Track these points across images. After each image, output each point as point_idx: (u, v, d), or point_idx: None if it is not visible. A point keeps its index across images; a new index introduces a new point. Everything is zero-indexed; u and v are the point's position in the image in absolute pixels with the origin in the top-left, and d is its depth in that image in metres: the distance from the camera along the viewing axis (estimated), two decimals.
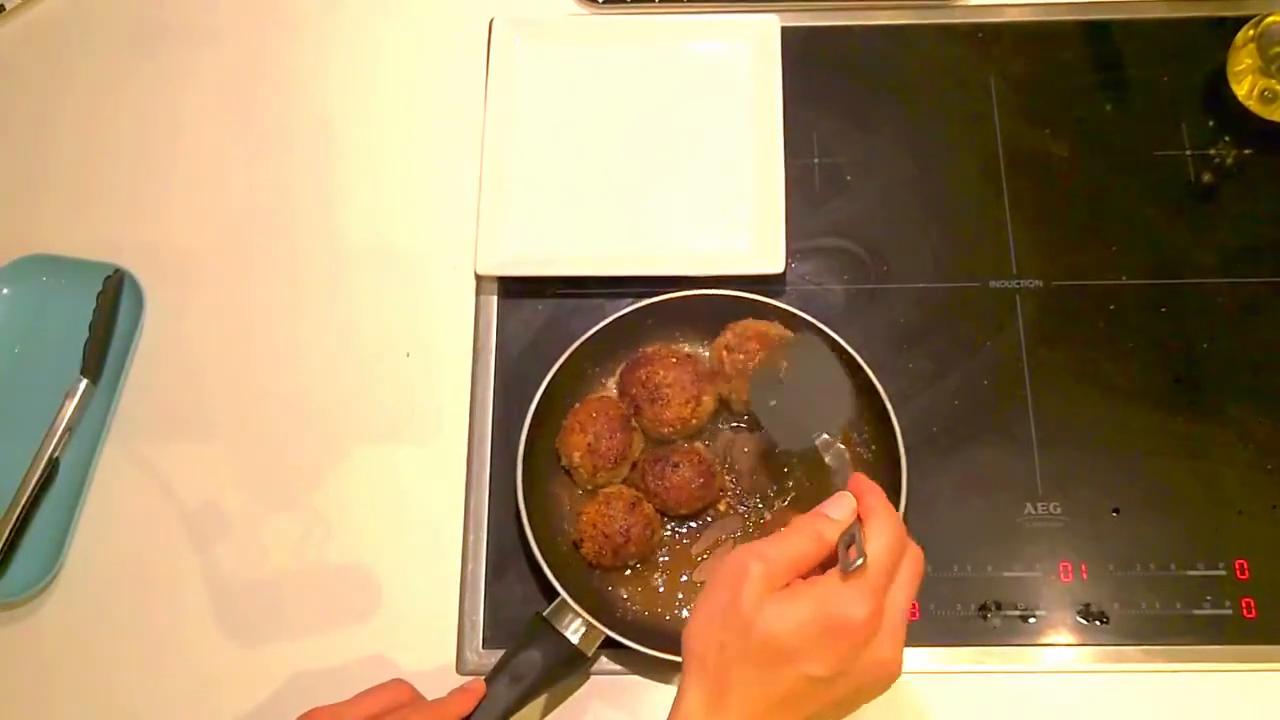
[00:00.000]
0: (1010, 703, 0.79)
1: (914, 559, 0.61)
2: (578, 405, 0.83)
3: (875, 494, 0.62)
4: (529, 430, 0.81)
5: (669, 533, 0.82)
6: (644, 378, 0.82)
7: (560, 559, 0.80)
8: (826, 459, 0.71)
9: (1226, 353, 0.87)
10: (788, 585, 0.58)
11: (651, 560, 0.81)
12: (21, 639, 0.83)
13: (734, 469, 0.84)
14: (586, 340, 0.83)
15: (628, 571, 0.81)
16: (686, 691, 0.58)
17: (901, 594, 0.59)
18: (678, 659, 0.75)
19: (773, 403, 0.77)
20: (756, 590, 0.57)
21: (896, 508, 0.77)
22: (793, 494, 0.83)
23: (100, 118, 0.99)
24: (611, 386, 0.86)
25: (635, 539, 0.79)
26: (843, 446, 0.72)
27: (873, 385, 0.81)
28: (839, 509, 0.61)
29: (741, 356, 0.82)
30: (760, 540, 0.60)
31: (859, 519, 0.61)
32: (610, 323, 0.84)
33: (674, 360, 0.83)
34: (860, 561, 0.57)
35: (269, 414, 0.88)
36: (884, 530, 0.59)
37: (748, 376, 0.80)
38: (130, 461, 0.87)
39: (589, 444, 0.81)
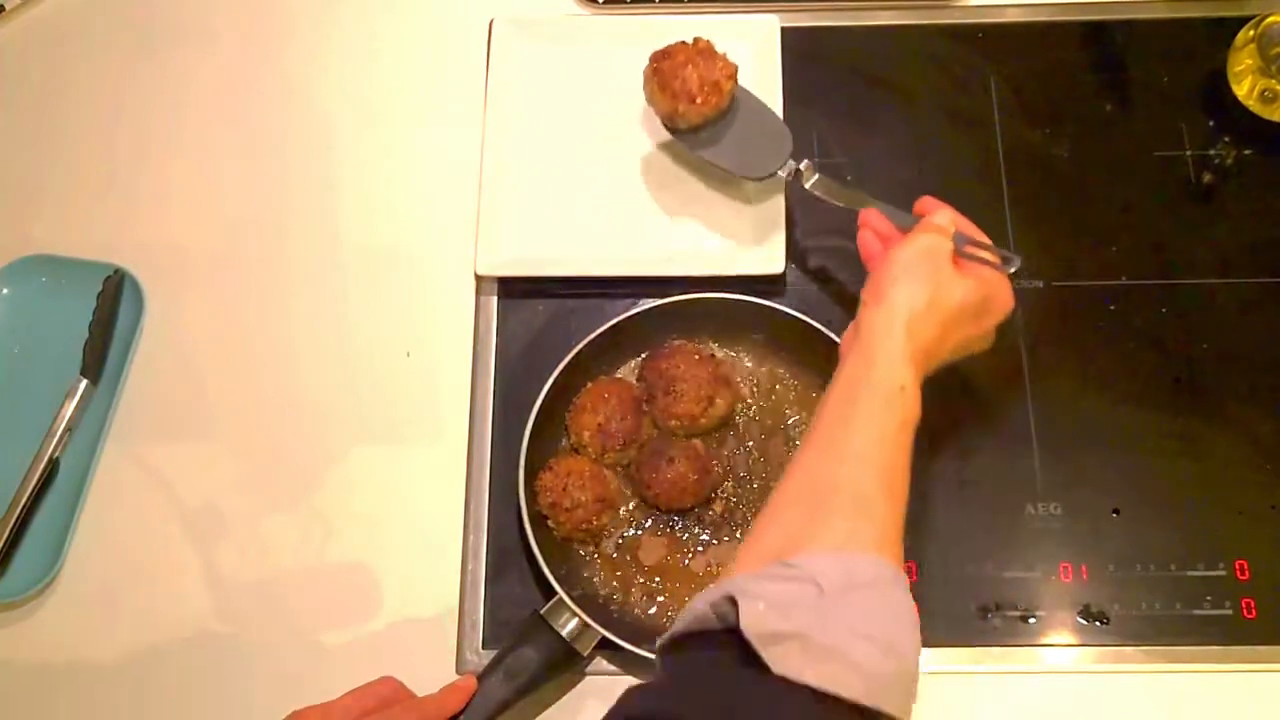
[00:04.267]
0: (1010, 703, 0.79)
1: None
2: (590, 384, 0.84)
3: (948, 209, 0.78)
4: (533, 427, 0.81)
5: (673, 529, 0.82)
6: (664, 368, 0.83)
7: (559, 557, 0.80)
8: (809, 186, 0.85)
9: (1226, 353, 0.87)
10: (959, 264, 0.74)
11: (652, 569, 0.82)
12: (21, 639, 0.83)
13: (736, 475, 0.84)
14: (595, 339, 0.83)
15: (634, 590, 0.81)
16: (891, 298, 0.71)
17: None
18: None
19: (716, 145, 0.86)
20: (946, 258, 0.73)
21: None
22: None
23: (100, 118, 0.99)
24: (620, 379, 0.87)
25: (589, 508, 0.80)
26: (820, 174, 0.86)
27: None
28: (945, 217, 0.76)
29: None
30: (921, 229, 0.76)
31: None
32: (618, 322, 0.84)
33: (697, 357, 0.83)
34: (1016, 264, 0.77)
35: (269, 414, 0.88)
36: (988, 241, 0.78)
37: None
38: (130, 461, 0.87)
39: (599, 424, 0.82)
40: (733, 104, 0.87)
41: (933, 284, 0.71)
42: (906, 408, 0.67)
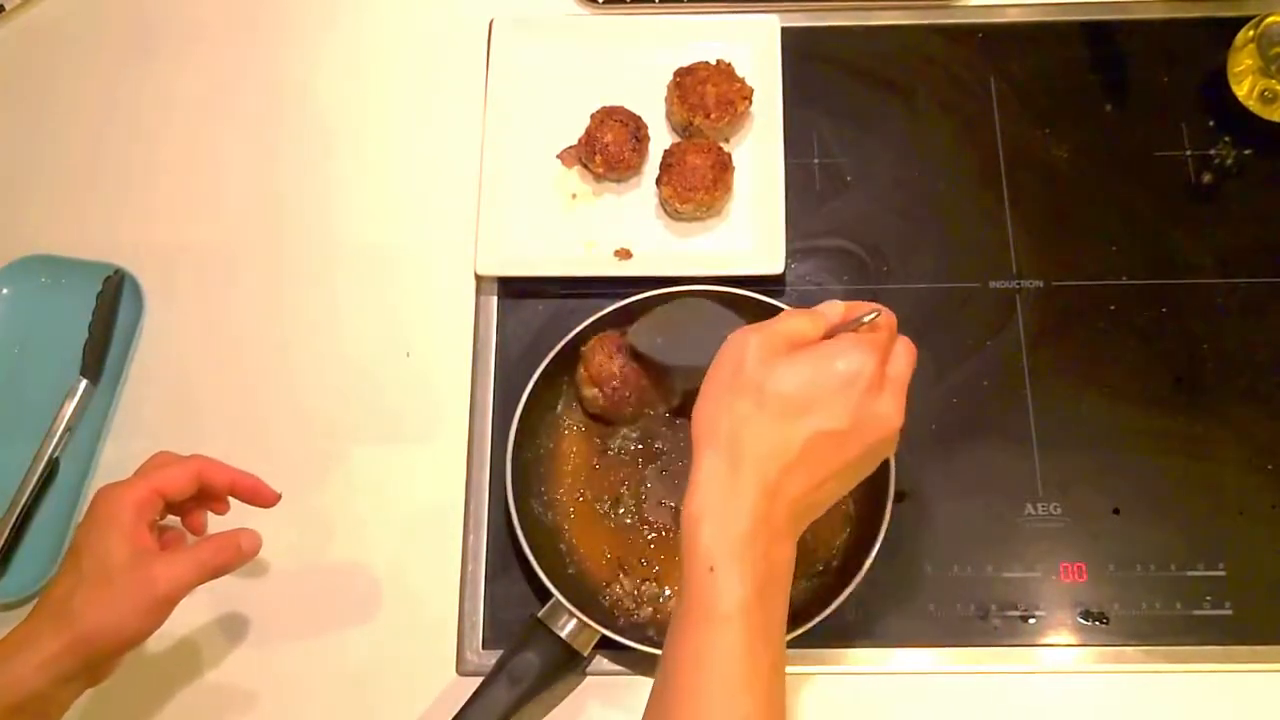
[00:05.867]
0: (1010, 703, 0.79)
1: (907, 342, 0.61)
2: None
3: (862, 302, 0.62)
4: (517, 433, 0.81)
5: (660, 534, 0.82)
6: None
7: (556, 560, 0.80)
8: None
9: (1226, 353, 0.87)
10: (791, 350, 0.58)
11: (647, 564, 0.82)
12: None
13: None
14: (578, 334, 0.83)
15: (622, 574, 0.81)
16: (701, 460, 0.57)
17: (901, 361, 0.59)
18: None
19: (659, 340, 0.80)
20: (760, 355, 0.57)
21: (882, 513, 0.77)
22: None
23: (100, 118, 0.99)
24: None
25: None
26: None
27: None
28: (831, 306, 0.61)
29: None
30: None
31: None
32: (606, 315, 0.84)
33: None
34: (873, 316, 0.58)
35: (268, 414, 0.88)
36: (881, 311, 0.60)
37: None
38: (130, 461, 0.86)
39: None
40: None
41: (729, 387, 0.57)
42: (720, 596, 0.53)
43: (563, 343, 0.83)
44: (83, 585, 0.66)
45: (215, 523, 0.76)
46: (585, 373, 0.83)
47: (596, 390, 0.82)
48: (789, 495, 0.56)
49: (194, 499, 0.73)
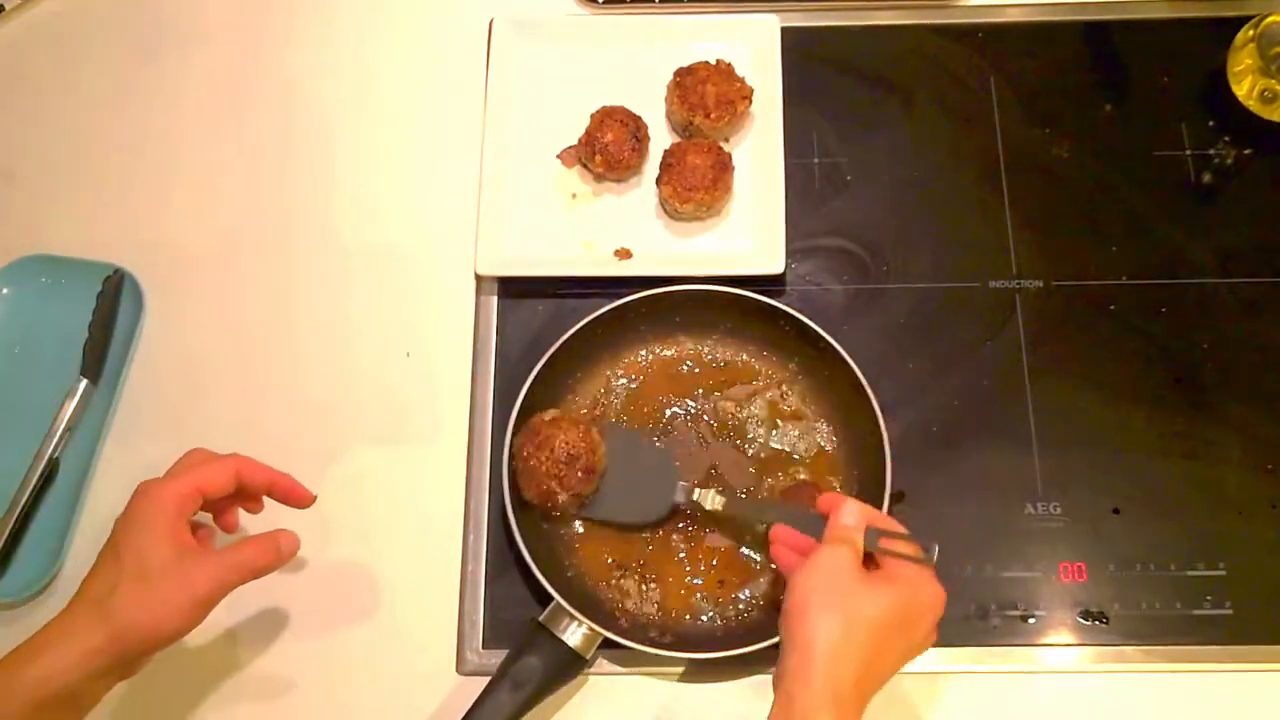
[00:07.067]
0: (1010, 703, 0.79)
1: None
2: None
3: (853, 505, 0.70)
4: (513, 435, 0.81)
5: (657, 534, 0.82)
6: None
7: (555, 563, 0.80)
8: (710, 506, 0.79)
9: (1226, 353, 0.87)
10: (870, 573, 0.67)
11: (646, 565, 0.82)
12: (21, 639, 0.82)
13: (727, 473, 0.84)
14: (573, 335, 0.83)
15: (621, 575, 0.81)
16: (811, 663, 0.63)
17: None
18: (675, 654, 0.76)
19: (607, 502, 0.82)
20: (852, 575, 0.66)
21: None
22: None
23: (100, 118, 0.99)
24: (610, 378, 0.87)
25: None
26: (718, 492, 0.80)
27: (861, 386, 0.81)
28: (851, 515, 0.68)
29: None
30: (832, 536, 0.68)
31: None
32: (600, 316, 0.84)
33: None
34: (935, 554, 0.67)
35: (269, 414, 0.88)
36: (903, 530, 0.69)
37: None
38: (130, 461, 0.87)
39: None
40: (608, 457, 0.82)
41: (841, 610, 0.64)
42: None
43: (560, 342, 0.83)
44: (122, 582, 0.66)
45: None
46: (522, 477, 0.80)
47: (532, 496, 0.80)
48: (868, 690, 0.65)
49: (228, 496, 0.73)
